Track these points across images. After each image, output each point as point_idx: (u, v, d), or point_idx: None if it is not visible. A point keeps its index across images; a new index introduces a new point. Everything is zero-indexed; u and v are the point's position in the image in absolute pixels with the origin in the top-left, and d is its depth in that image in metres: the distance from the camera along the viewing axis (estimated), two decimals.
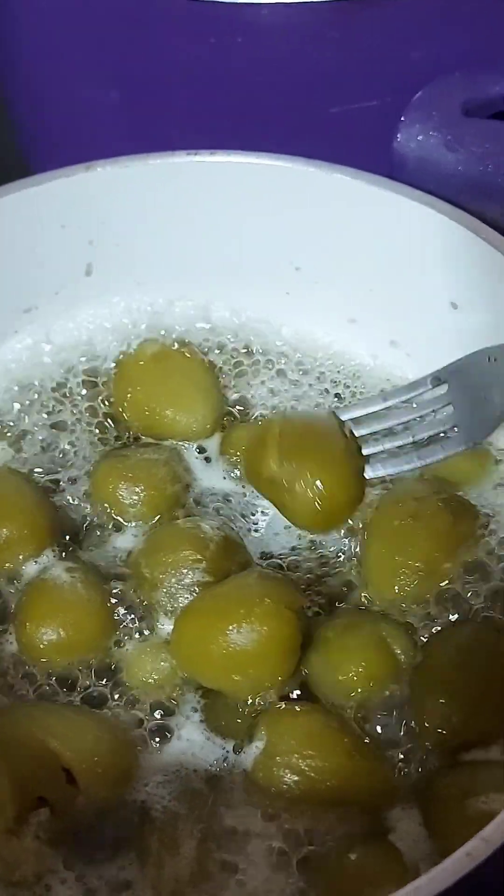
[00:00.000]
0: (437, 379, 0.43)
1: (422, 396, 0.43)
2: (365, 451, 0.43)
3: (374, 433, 0.43)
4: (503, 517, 0.43)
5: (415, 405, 0.43)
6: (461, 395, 0.42)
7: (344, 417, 0.43)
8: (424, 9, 0.44)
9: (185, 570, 0.40)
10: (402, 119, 0.44)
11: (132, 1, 0.44)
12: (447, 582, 0.41)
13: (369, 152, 0.45)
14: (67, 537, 0.43)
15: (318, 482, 0.41)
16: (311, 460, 0.41)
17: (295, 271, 0.48)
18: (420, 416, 0.43)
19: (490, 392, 0.41)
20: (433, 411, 0.43)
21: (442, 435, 0.43)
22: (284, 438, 0.42)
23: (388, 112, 0.45)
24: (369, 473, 0.43)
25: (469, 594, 0.41)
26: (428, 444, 0.43)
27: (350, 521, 0.43)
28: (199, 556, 0.40)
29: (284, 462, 0.41)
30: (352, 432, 0.43)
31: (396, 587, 0.41)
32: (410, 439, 0.43)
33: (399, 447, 0.43)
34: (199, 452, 0.46)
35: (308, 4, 0.43)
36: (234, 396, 0.47)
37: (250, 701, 0.38)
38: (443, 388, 0.43)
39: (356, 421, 0.43)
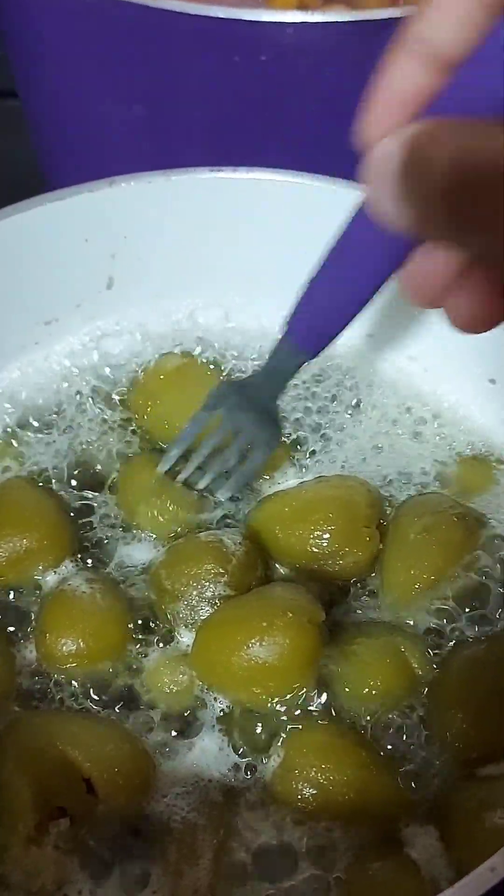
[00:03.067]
0: (208, 406, 0.43)
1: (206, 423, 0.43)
2: (201, 484, 0.44)
3: (200, 466, 0.44)
4: None
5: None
6: (239, 413, 0.43)
7: (166, 464, 0.44)
8: None
9: (207, 584, 0.40)
10: None
11: (158, 19, 0.44)
12: (462, 594, 0.41)
13: None
14: (87, 548, 0.43)
15: None
16: None
17: None
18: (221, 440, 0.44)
19: (257, 402, 0.42)
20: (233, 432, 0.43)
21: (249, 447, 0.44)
22: None
23: None
24: (221, 496, 0.44)
25: (484, 607, 0.41)
26: (243, 461, 0.44)
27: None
28: (221, 570, 0.40)
29: None
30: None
31: (412, 599, 0.41)
32: (231, 462, 0.44)
33: (226, 471, 0.44)
34: None
35: (332, 25, 0.43)
36: None
37: (269, 713, 0.38)
38: (219, 412, 0.43)
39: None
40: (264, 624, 0.37)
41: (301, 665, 0.38)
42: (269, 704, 0.38)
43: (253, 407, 0.43)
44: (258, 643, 0.37)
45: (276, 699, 0.38)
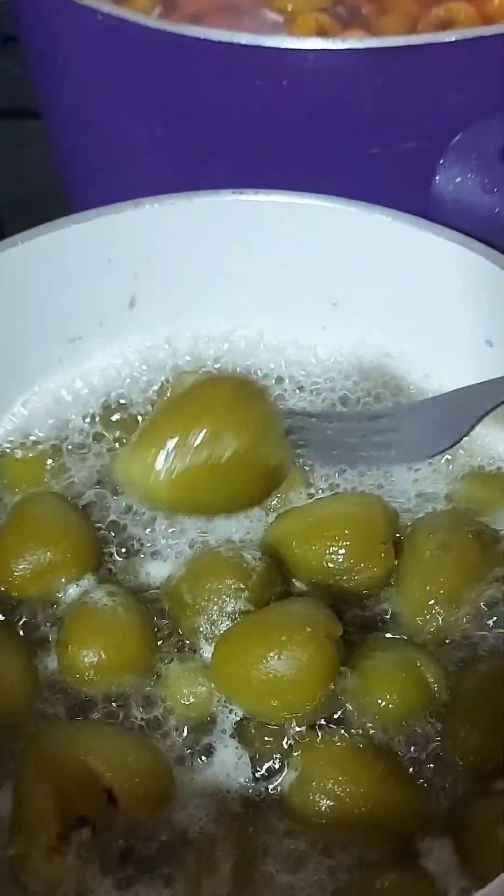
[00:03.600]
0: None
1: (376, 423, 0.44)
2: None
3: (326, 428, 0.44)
4: None
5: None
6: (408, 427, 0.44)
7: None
8: (462, 55, 0.45)
9: (228, 598, 0.40)
10: (441, 162, 0.46)
11: (181, 44, 0.45)
12: (479, 610, 0.42)
13: (407, 192, 0.46)
14: (109, 561, 0.44)
15: None
16: None
17: (332, 306, 0.49)
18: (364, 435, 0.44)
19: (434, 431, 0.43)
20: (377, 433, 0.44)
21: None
22: None
23: (427, 154, 0.46)
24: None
25: (500, 622, 0.41)
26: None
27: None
28: (241, 585, 0.40)
29: None
30: None
31: (429, 616, 0.41)
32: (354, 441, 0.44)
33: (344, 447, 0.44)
34: None
35: (351, 52, 0.44)
36: None
37: (286, 725, 0.39)
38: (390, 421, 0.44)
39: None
40: (283, 638, 0.38)
41: (319, 679, 0.38)
42: (287, 717, 0.39)
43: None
44: (276, 657, 0.37)
45: (295, 712, 0.38)
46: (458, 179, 0.45)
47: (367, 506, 0.44)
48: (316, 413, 0.46)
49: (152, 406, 0.49)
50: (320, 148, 0.48)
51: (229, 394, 0.38)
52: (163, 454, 0.37)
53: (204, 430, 0.37)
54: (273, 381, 0.50)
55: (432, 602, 0.41)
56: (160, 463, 0.37)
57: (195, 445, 0.37)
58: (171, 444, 0.37)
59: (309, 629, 0.38)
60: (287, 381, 0.50)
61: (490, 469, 0.47)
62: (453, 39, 0.44)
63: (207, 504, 0.39)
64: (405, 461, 0.45)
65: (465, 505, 0.46)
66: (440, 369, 0.48)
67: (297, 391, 0.49)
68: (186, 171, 0.50)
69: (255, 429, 0.38)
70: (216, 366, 0.49)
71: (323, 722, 0.39)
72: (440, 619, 0.41)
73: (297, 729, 0.39)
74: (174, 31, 0.45)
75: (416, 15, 0.59)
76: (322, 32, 0.57)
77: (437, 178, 0.46)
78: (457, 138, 0.46)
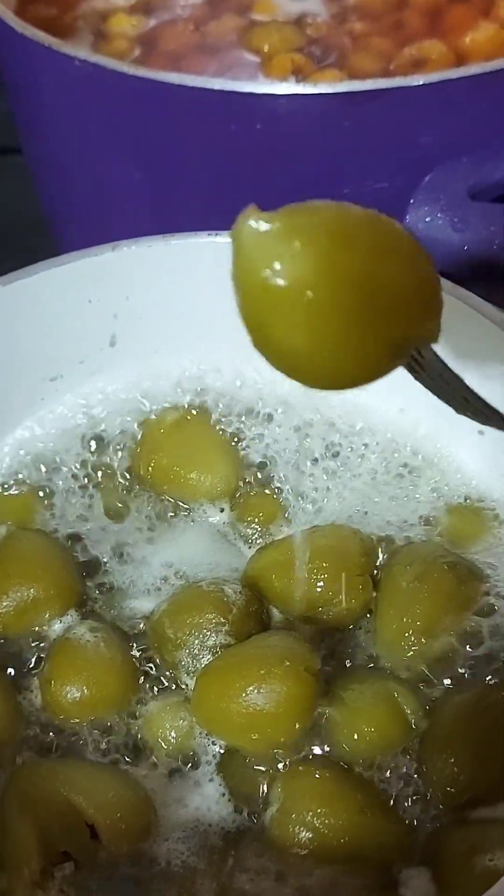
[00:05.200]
0: None
1: None
2: None
3: None
4: None
5: None
6: None
7: None
8: (431, 99, 0.46)
9: (209, 633, 0.41)
10: (412, 201, 0.47)
11: (156, 89, 0.47)
12: (454, 642, 0.42)
13: None
14: (92, 597, 0.45)
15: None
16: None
17: None
18: None
19: None
20: None
21: None
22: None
23: (398, 194, 0.48)
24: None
25: (476, 654, 0.42)
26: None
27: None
28: (222, 620, 0.41)
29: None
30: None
31: (405, 647, 0.42)
32: None
33: None
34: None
35: (323, 96, 0.45)
36: (251, 459, 0.49)
37: (267, 758, 0.39)
38: None
39: None
40: (262, 672, 0.38)
41: (298, 712, 0.39)
42: (267, 749, 0.39)
43: None
44: (256, 690, 0.38)
45: (274, 744, 0.39)
46: (428, 218, 0.46)
47: (344, 539, 0.45)
48: None
49: (134, 443, 0.49)
50: (293, 189, 0.48)
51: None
52: None
53: None
54: (255, 417, 0.50)
55: (409, 633, 0.42)
56: None
57: None
58: None
59: (287, 662, 0.39)
60: (268, 417, 0.50)
61: (469, 503, 0.48)
62: (421, 83, 0.45)
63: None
64: None
65: (443, 537, 0.46)
66: (413, 404, 0.49)
67: (278, 428, 0.50)
68: (164, 214, 0.51)
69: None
70: (194, 401, 0.50)
71: (303, 754, 0.40)
72: (416, 650, 0.42)
73: (278, 762, 0.39)
74: (149, 77, 0.46)
75: (389, 54, 0.60)
76: (297, 72, 0.59)
77: (407, 217, 0.47)
78: (427, 178, 0.47)
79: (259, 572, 0.44)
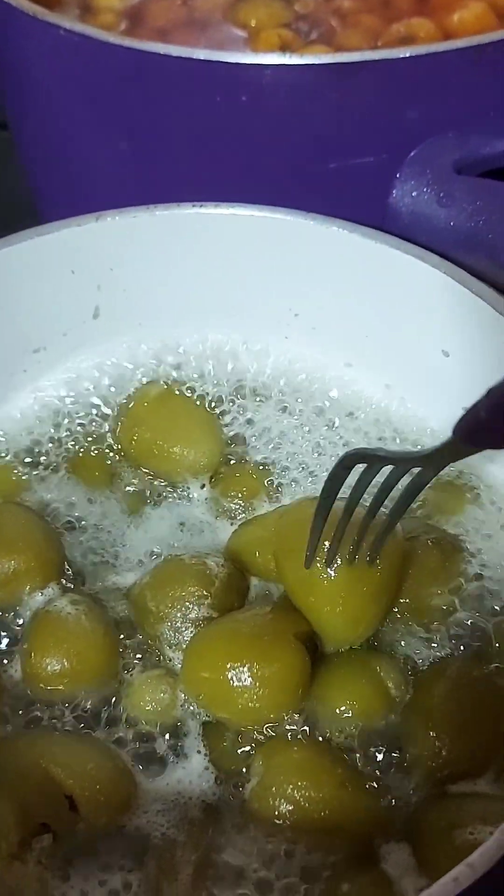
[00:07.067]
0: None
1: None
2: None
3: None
4: (489, 553, 0.44)
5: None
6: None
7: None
8: (418, 72, 0.46)
9: (191, 605, 0.41)
10: (398, 176, 0.47)
11: (142, 60, 0.46)
12: (438, 616, 0.42)
13: (365, 206, 0.47)
14: (73, 569, 0.44)
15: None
16: None
17: (294, 317, 0.50)
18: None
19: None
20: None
21: None
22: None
23: (384, 168, 0.47)
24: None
25: (457, 628, 0.42)
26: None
27: None
28: (204, 592, 0.41)
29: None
30: None
31: (390, 622, 0.42)
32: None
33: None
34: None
35: (309, 67, 0.45)
36: (233, 434, 0.49)
37: (250, 731, 0.39)
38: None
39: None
40: (256, 643, 0.38)
41: (292, 684, 0.39)
42: (255, 722, 0.39)
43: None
44: (250, 661, 0.38)
45: (264, 717, 0.39)
46: (415, 193, 0.46)
47: None
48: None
49: (117, 417, 0.49)
50: (279, 162, 0.48)
51: None
52: None
53: None
54: (239, 392, 0.50)
55: (394, 609, 0.42)
56: None
57: None
58: None
59: (283, 633, 0.39)
60: (252, 391, 0.50)
61: (451, 479, 0.48)
62: (408, 55, 0.45)
63: None
64: None
65: (427, 512, 0.46)
66: (399, 380, 0.49)
67: (262, 403, 0.50)
68: (149, 185, 0.51)
69: None
70: (177, 375, 0.50)
71: (286, 728, 0.39)
72: (401, 625, 0.42)
73: (261, 735, 0.39)
74: (134, 47, 0.45)
75: (377, 30, 0.60)
76: (285, 47, 0.58)
77: (393, 191, 0.47)
78: (413, 153, 0.47)
79: (242, 546, 0.44)
